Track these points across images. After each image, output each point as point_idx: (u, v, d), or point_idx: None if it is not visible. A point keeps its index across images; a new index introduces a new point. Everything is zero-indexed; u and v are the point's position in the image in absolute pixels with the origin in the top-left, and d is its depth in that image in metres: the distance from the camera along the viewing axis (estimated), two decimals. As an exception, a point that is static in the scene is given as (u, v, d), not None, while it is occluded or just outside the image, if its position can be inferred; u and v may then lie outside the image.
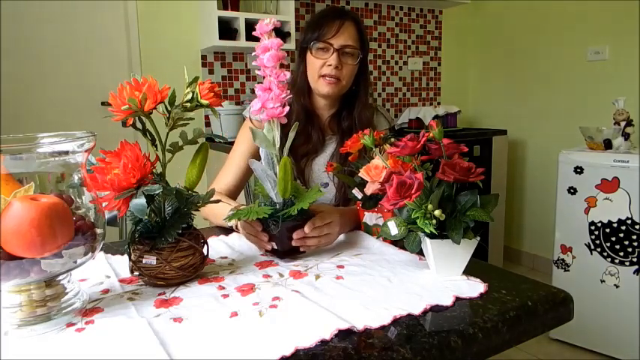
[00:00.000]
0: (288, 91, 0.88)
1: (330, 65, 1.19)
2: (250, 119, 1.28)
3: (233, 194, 1.27)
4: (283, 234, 0.90)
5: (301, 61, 1.26)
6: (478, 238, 0.77)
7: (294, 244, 0.91)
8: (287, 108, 0.87)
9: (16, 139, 0.63)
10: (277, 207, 0.91)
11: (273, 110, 0.86)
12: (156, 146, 0.79)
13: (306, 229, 0.90)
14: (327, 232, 0.94)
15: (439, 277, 0.80)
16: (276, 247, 0.93)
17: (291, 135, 0.91)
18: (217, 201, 0.85)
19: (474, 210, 0.75)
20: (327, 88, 1.21)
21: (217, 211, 1.09)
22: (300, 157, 1.27)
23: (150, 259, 0.77)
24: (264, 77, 0.88)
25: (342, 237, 1.04)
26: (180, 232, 0.78)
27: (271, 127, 0.89)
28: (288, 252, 0.93)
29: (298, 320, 0.66)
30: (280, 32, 2.52)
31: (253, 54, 0.89)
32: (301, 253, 0.94)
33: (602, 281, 2.11)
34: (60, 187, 0.68)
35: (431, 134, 0.81)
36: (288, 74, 0.87)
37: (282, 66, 0.88)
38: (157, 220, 0.79)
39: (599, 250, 2.11)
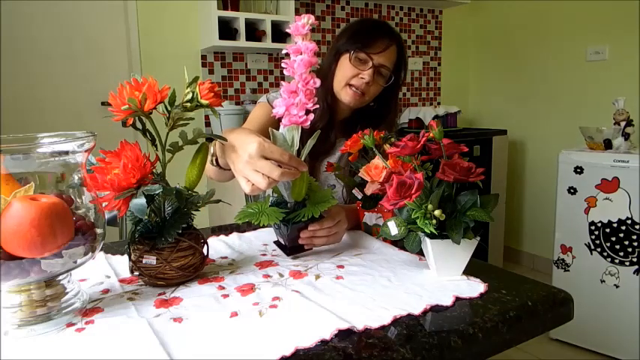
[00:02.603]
0: (316, 99, 0.84)
1: (362, 79, 1.18)
2: (269, 102, 1.25)
3: None
4: (293, 232, 0.91)
5: (334, 61, 1.23)
6: (478, 238, 0.77)
7: (301, 242, 0.91)
8: (311, 116, 0.84)
9: (16, 139, 0.63)
10: (289, 206, 0.90)
11: (296, 117, 0.83)
12: (156, 146, 0.79)
13: (311, 227, 0.91)
14: (335, 231, 0.95)
15: (439, 277, 0.80)
16: (283, 243, 0.93)
17: (310, 143, 0.88)
18: (218, 201, 0.85)
19: (474, 210, 0.75)
20: (350, 99, 1.21)
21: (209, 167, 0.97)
22: (316, 156, 1.27)
23: (150, 259, 0.77)
24: (287, 75, 0.84)
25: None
26: (180, 232, 0.78)
27: (292, 128, 0.86)
28: (294, 249, 0.93)
29: (298, 320, 0.66)
30: (280, 32, 2.52)
31: (284, 51, 0.85)
32: (308, 250, 0.94)
33: (602, 281, 2.11)
34: (60, 187, 0.68)
35: (431, 134, 0.81)
36: (318, 82, 0.83)
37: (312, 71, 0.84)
38: (156, 220, 0.79)
39: (599, 250, 2.11)
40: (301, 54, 0.82)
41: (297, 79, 0.82)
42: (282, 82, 0.86)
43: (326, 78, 1.23)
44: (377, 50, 1.18)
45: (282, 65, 0.85)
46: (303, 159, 0.88)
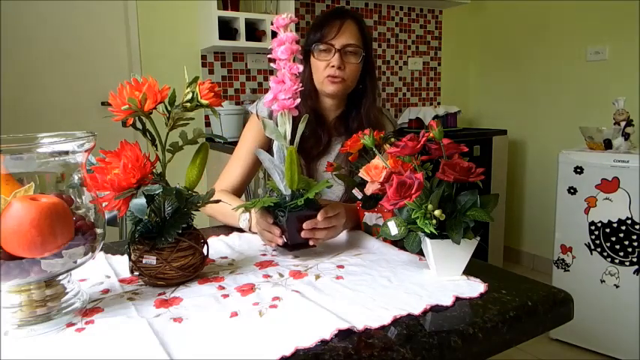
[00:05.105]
0: (301, 84, 0.90)
1: (332, 66, 1.19)
2: (257, 114, 1.27)
3: (238, 192, 1.27)
4: (292, 226, 0.91)
5: (306, 65, 1.25)
6: (478, 238, 0.77)
7: (303, 235, 0.92)
8: (298, 100, 0.89)
9: (16, 139, 0.63)
10: (286, 199, 0.92)
11: (284, 101, 0.88)
12: (156, 146, 0.79)
13: (319, 217, 0.91)
14: (334, 224, 0.95)
15: (439, 277, 0.80)
16: (285, 241, 0.93)
17: (301, 127, 0.92)
18: (217, 201, 0.85)
19: (474, 210, 0.75)
20: (332, 87, 1.21)
21: (226, 211, 1.10)
22: (311, 159, 1.27)
23: (150, 259, 0.77)
24: (277, 70, 0.90)
25: (342, 237, 1.04)
26: (180, 232, 0.78)
27: (283, 119, 0.91)
28: (296, 245, 0.93)
29: (298, 320, 0.66)
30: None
31: (269, 47, 0.91)
32: (310, 247, 0.95)
33: (602, 281, 2.11)
34: (60, 187, 0.68)
35: (431, 134, 0.81)
36: (300, 67, 0.89)
37: (294, 60, 0.90)
38: (156, 220, 0.79)
39: (599, 250, 2.11)
40: (284, 44, 0.88)
41: (282, 65, 0.88)
42: (271, 76, 0.91)
43: (307, 83, 1.25)
44: (333, 34, 1.19)
45: (268, 57, 0.91)
46: (295, 145, 0.91)
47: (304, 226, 0.91)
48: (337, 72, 1.19)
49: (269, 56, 0.91)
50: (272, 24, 0.91)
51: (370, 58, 1.27)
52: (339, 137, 1.30)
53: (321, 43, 1.20)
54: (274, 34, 0.91)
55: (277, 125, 0.92)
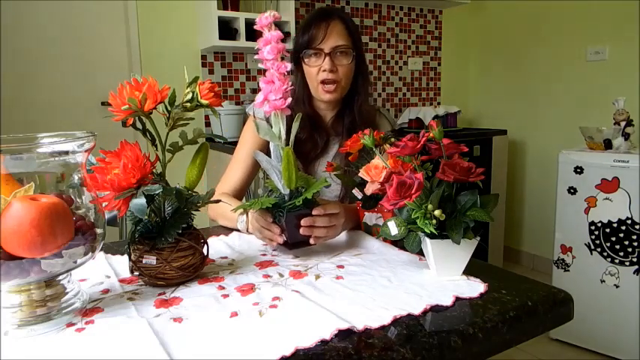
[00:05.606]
0: (290, 83, 0.89)
1: (324, 70, 1.17)
2: (254, 115, 1.27)
3: (240, 194, 1.27)
4: (291, 224, 0.91)
5: (297, 70, 1.24)
6: (478, 238, 0.77)
7: (302, 232, 0.92)
8: (289, 99, 0.88)
9: (16, 139, 0.63)
10: (285, 198, 0.92)
11: (275, 102, 0.87)
12: (156, 146, 0.79)
13: (315, 211, 0.92)
14: (334, 223, 0.95)
15: (439, 277, 0.80)
16: (285, 239, 0.94)
17: (295, 126, 0.91)
18: (217, 201, 0.85)
19: (474, 210, 0.75)
20: (328, 95, 1.20)
21: (229, 214, 1.10)
22: (310, 161, 1.27)
23: (150, 259, 0.77)
24: (266, 70, 0.88)
25: (342, 237, 1.04)
26: (180, 232, 0.78)
27: (277, 119, 0.90)
28: (296, 244, 0.93)
29: (298, 320, 0.66)
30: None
31: (256, 47, 0.90)
32: (309, 245, 0.95)
33: (602, 281, 2.11)
34: (60, 187, 0.68)
35: (431, 134, 0.81)
36: (289, 65, 0.88)
37: (283, 59, 0.89)
38: (156, 220, 0.79)
39: (599, 250, 2.11)
40: (270, 44, 0.87)
41: (270, 65, 0.87)
42: (259, 76, 0.89)
43: (300, 88, 1.24)
44: (320, 39, 1.17)
45: (255, 58, 0.90)
46: (291, 144, 0.90)
47: (302, 222, 0.91)
48: (330, 75, 1.18)
49: (256, 57, 0.89)
50: (256, 24, 0.89)
51: (361, 56, 1.26)
52: (336, 137, 1.30)
53: (310, 48, 1.18)
54: (260, 34, 0.89)
55: (272, 126, 0.92)
